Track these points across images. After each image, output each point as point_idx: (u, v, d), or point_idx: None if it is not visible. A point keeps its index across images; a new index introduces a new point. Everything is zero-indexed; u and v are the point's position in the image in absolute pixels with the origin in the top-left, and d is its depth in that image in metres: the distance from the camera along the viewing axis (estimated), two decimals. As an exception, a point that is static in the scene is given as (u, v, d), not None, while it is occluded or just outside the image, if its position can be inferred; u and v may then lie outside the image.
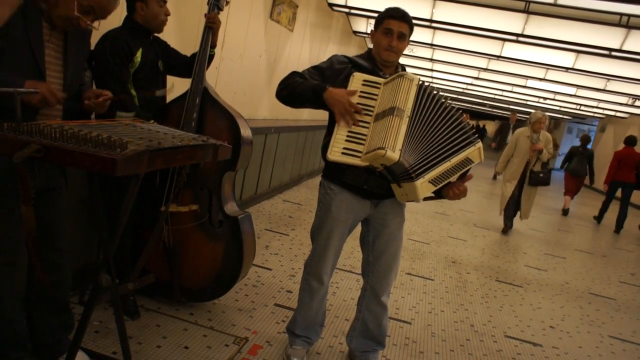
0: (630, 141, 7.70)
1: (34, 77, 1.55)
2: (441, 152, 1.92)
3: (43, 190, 1.68)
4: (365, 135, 1.95)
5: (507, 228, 6.07)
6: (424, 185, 1.90)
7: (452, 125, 1.95)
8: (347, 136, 1.95)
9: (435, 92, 1.98)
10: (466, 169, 1.98)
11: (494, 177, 11.78)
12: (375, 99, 1.98)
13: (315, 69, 2.11)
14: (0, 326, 1.67)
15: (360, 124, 1.96)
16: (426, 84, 1.97)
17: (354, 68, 2.07)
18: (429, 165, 1.90)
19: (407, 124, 1.89)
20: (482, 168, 12.56)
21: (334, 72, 2.07)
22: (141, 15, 2.24)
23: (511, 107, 17.05)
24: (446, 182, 1.97)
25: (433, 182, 1.93)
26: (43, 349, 1.88)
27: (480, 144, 1.95)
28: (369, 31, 8.11)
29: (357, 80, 2.00)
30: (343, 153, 1.94)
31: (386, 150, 1.83)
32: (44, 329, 1.87)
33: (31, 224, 1.32)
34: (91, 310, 1.61)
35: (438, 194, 2.08)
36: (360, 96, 1.98)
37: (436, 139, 1.93)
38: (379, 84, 2.00)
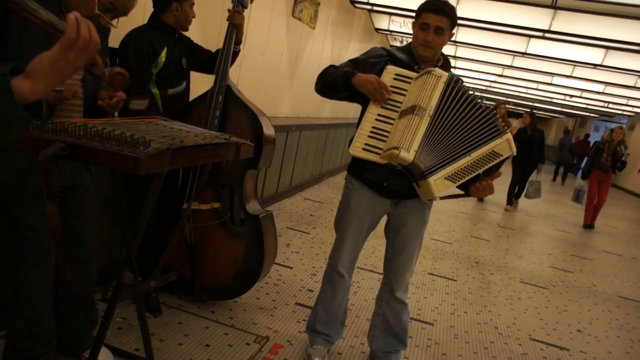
0: None
1: None
2: (460, 147, 1.84)
3: (69, 188, 1.70)
4: (389, 132, 1.91)
5: None
6: (438, 182, 1.83)
7: (477, 119, 1.86)
8: (371, 132, 1.92)
9: (464, 89, 1.88)
10: (493, 163, 1.88)
11: None
12: (404, 95, 1.93)
13: (351, 61, 2.09)
14: (30, 323, 1.69)
15: (386, 120, 1.92)
16: (456, 80, 1.88)
17: (391, 61, 2.02)
18: (444, 162, 1.83)
19: (427, 124, 1.83)
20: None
21: (368, 65, 2.04)
22: (174, 16, 2.24)
23: (535, 104, 16.73)
24: (469, 177, 1.88)
25: (450, 178, 1.84)
26: (67, 345, 1.91)
27: (509, 135, 1.86)
28: (391, 28, 8.08)
29: (389, 74, 1.95)
30: (364, 149, 1.92)
31: (400, 151, 1.78)
32: (69, 325, 1.89)
33: (55, 221, 1.32)
34: (114, 307, 1.62)
35: (465, 191, 1.99)
36: (390, 91, 1.93)
37: (457, 135, 1.86)
38: (411, 78, 1.94)
